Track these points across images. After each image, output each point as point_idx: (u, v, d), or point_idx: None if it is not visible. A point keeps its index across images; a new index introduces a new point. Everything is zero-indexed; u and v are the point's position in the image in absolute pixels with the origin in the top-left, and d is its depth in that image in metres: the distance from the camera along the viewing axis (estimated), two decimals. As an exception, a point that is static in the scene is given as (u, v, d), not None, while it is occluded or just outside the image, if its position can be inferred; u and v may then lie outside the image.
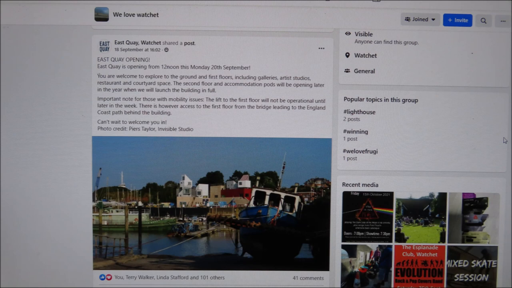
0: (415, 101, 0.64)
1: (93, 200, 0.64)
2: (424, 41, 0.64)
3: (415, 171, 0.65)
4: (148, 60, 0.63)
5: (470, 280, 0.67)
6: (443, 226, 0.66)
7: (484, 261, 0.66)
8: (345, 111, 0.64)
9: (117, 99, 0.64)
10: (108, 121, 0.64)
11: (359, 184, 0.65)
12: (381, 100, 0.64)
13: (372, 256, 0.66)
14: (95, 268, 0.65)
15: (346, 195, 0.65)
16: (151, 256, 0.69)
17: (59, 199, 0.63)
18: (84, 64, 0.63)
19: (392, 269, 0.66)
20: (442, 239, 0.66)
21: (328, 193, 0.65)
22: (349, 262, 0.66)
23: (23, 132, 0.63)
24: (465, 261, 0.66)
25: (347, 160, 0.65)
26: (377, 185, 0.65)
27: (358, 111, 0.64)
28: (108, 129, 0.64)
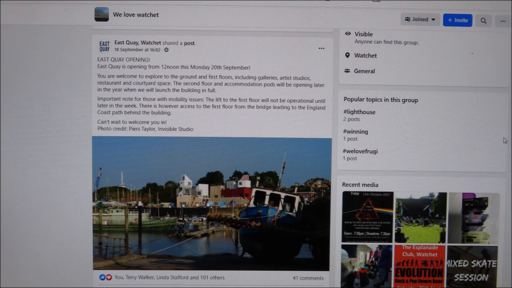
0: (415, 101, 0.64)
1: (93, 200, 0.64)
2: (424, 41, 0.64)
3: (415, 171, 0.65)
4: (148, 60, 0.63)
5: (470, 280, 0.67)
6: (443, 226, 0.66)
7: (484, 261, 0.66)
8: (345, 111, 0.64)
9: (117, 99, 0.64)
10: (108, 121, 0.64)
11: (359, 184, 0.65)
12: (381, 100, 0.64)
13: (372, 256, 0.66)
14: (95, 268, 0.65)
15: (346, 195, 0.65)
16: (151, 256, 0.69)
17: (59, 199, 0.63)
18: (84, 64, 0.63)
19: (392, 269, 0.66)
20: (442, 239, 0.66)
21: (328, 193, 0.65)
22: (349, 262, 0.66)
23: (23, 132, 0.63)
24: (465, 261, 0.66)
25: (347, 160, 0.65)
26: (377, 185, 0.65)
27: (358, 111, 0.64)
28: (108, 129, 0.64)
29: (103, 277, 0.66)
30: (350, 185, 0.65)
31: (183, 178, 0.69)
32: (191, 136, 0.64)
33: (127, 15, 0.63)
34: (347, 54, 0.64)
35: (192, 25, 0.63)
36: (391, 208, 0.66)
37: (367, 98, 0.64)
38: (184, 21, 0.63)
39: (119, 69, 0.63)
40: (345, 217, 0.65)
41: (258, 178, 0.68)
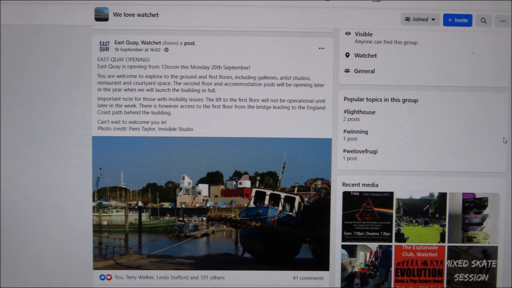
0: (415, 101, 0.64)
1: (93, 200, 0.64)
2: (424, 41, 0.64)
3: (415, 171, 0.65)
4: (148, 60, 0.63)
5: (470, 280, 0.67)
6: (443, 226, 0.66)
7: (484, 261, 0.66)
8: (345, 111, 0.64)
9: (117, 99, 0.64)
10: (108, 121, 0.64)
11: (359, 184, 0.65)
12: (381, 100, 0.64)
13: (372, 256, 0.66)
14: (95, 268, 0.65)
15: (346, 195, 0.65)
16: (151, 256, 0.69)
17: (59, 199, 0.63)
18: (84, 64, 0.63)
19: (392, 269, 0.66)
20: (442, 239, 0.66)
21: (328, 193, 0.65)
22: (349, 262, 0.66)
23: (23, 132, 0.63)
24: (465, 261, 0.66)
25: (347, 160, 0.65)
26: (377, 185, 0.65)
27: (358, 111, 0.64)
28: (108, 129, 0.64)
29: (103, 277, 0.66)
30: (350, 185, 0.65)
31: (183, 178, 0.69)
32: (191, 136, 0.64)
33: (127, 15, 0.63)
34: (347, 54, 0.64)
35: (192, 25, 0.63)
36: (391, 208, 0.66)
37: (367, 98, 0.64)
38: (184, 21, 0.63)
39: (119, 69, 0.63)
40: (345, 217, 0.65)
41: (258, 178, 0.68)
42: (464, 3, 0.64)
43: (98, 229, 0.66)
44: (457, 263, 0.66)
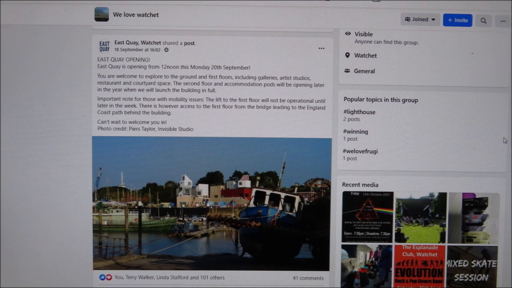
0: (415, 101, 0.64)
1: (93, 200, 0.64)
2: (424, 41, 0.64)
3: (415, 171, 0.65)
4: (148, 60, 0.63)
5: (470, 280, 0.67)
6: (443, 226, 0.66)
7: (484, 261, 0.66)
8: (345, 111, 0.64)
9: (117, 99, 0.64)
10: (108, 121, 0.64)
11: (359, 184, 0.65)
12: (381, 100, 0.64)
13: (372, 256, 0.66)
14: (95, 268, 0.65)
15: (346, 195, 0.65)
16: (151, 256, 0.69)
17: (59, 199, 0.63)
18: (84, 64, 0.63)
19: (392, 269, 0.66)
20: (442, 239, 0.66)
21: (328, 193, 0.65)
22: (349, 262, 0.66)
23: (23, 132, 0.63)
24: (465, 261, 0.66)
25: (347, 160, 0.65)
26: (377, 185, 0.65)
27: (358, 111, 0.64)
28: (108, 129, 0.64)
29: (103, 277, 0.66)
30: (350, 185, 0.65)
31: (183, 178, 0.69)
32: (191, 136, 0.64)
33: (127, 15, 0.63)
34: (347, 54, 0.64)
35: (192, 25, 0.63)
36: (391, 208, 0.66)
37: (367, 98, 0.64)
38: (184, 21, 0.63)
39: (119, 69, 0.63)
40: (345, 217, 0.65)
41: (258, 178, 0.68)
42: (464, 3, 0.64)
43: (98, 229, 0.66)
44: (457, 263, 0.66)
